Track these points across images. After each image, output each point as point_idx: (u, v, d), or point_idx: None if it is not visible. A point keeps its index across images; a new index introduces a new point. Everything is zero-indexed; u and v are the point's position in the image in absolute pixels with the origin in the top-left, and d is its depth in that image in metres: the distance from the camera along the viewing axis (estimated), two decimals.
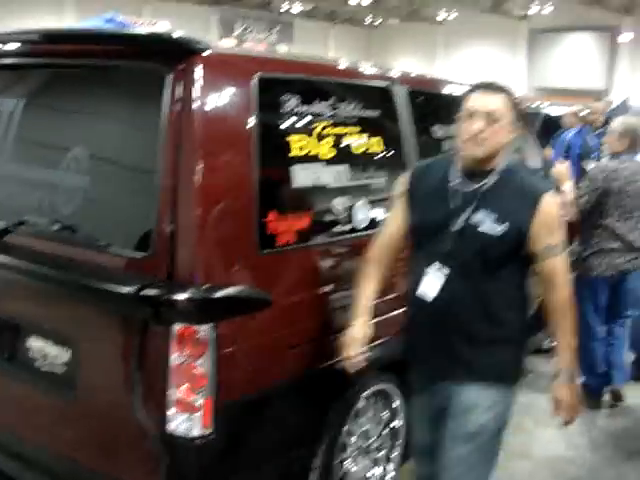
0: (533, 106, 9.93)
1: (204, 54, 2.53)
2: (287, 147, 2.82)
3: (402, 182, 2.87)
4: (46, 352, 2.80)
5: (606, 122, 7.36)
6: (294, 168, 2.82)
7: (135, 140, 2.69)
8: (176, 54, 2.52)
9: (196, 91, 2.47)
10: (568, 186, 4.98)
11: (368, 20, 31.32)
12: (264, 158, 2.64)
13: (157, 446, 2.48)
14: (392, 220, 2.89)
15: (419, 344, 2.82)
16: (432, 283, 2.69)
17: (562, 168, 5.10)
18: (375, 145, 3.30)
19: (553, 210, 2.66)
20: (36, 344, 2.85)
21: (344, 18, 31.30)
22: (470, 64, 28.17)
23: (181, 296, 2.33)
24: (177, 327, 2.38)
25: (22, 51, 3.01)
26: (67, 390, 2.71)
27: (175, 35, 2.53)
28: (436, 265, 2.68)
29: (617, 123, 5.08)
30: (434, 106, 3.91)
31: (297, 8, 28.36)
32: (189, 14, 26.34)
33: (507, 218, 2.60)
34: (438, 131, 3.82)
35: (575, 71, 25.91)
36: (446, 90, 4.08)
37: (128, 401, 2.50)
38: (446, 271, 2.67)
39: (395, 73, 3.67)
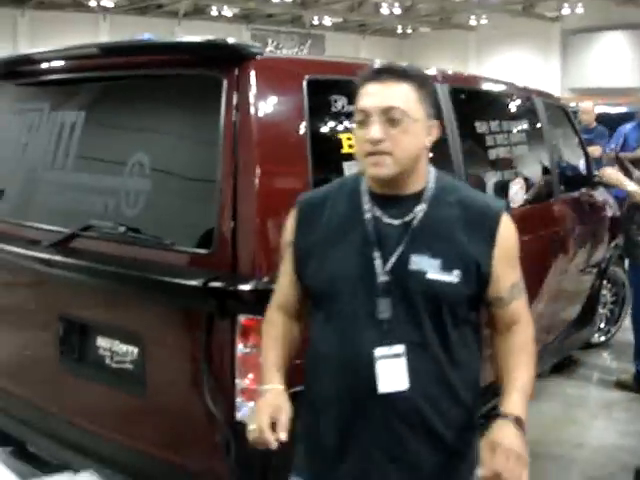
0: (572, 105, 10.05)
1: (257, 59, 2.66)
2: (338, 145, 2.92)
3: (288, 226, 2.10)
4: (115, 350, 2.93)
5: None
6: (345, 165, 2.92)
7: (194, 144, 2.81)
8: (230, 60, 2.65)
9: (251, 95, 2.60)
10: (632, 186, 4.99)
11: (399, 30, 31.41)
12: (317, 156, 2.75)
13: (225, 434, 2.59)
14: (283, 279, 2.13)
15: (348, 447, 1.97)
16: (394, 371, 1.90)
17: (611, 173, 5.14)
18: None
19: (513, 236, 2.00)
20: (104, 343, 2.98)
21: (375, 29, 31.44)
22: (503, 68, 28.10)
23: (245, 287, 2.45)
24: (242, 318, 2.49)
25: (81, 65, 3.17)
26: (137, 385, 2.83)
27: (229, 41, 2.66)
28: (384, 343, 1.90)
29: None
30: (476, 103, 4.01)
31: (328, 21, 28.57)
32: (221, 32, 26.61)
33: (457, 263, 1.90)
34: (480, 127, 3.91)
35: (610, 70, 25.72)
36: (486, 87, 4.18)
37: (197, 392, 2.61)
38: (401, 348, 1.90)
39: (436, 72, 3.76)
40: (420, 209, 1.94)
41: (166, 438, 2.82)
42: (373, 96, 1.88)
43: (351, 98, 3.00)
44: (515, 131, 4.37)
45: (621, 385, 5.28)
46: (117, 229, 2.82)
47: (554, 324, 4.95)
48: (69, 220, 3.04)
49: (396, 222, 1.93)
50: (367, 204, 1.96)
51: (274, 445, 1.91)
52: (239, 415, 2.54)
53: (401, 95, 1.88)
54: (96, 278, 2.89)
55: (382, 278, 1.91)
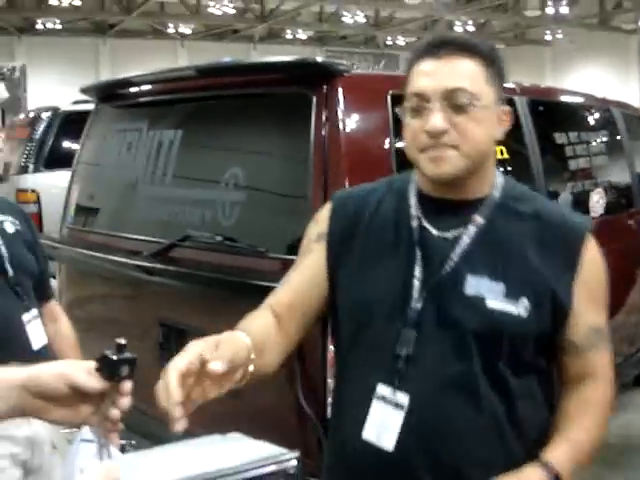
0: None
1: (344, 76, 2.82)
2: None
3: (320, 219, 1.73)
4: None
5: None
6: None
7: (286, 157, 2.99)
8: (319, 77, 2.82)
9: (339, 110, 2.76)
10: None
11: None
12: (402, 169, 2.85)
13: (317, 431, 2.72)
14: (297, 274, 1.72)
15: None
16: (385, 422, 1.52)
17: None
18: (501, 152, 3.49)
19: (600, 265, 1.58)
20: None
21: None
22: (581, 83, 27.78)
23: None
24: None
25: (177, 86, 3.38)
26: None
27: (318, 59, 2.83)
28: (392, 384, 1.52)
29: None
30: (554, 114, 4.09)
31: (401, 41, 28.75)
32: (296, 55, 27.10)
33: (526, 290, 1.48)
34: (559, 138, 3.99)
35: None
36: (564, 98, 4.25)
37: (290, 391, 2.75)
38: (405, 399, 1.50)
39: (514, 84, 3.87)
40: (482, 219, 1.54)
41: (259, 435, 2.96)
42: (432, 76, 1.50)
43: None
44: (594, 142, 4.42)
45: None
46: (214, 238, 3.00)
47: (637, 336, 4.94)
48: (167, 231, 3.24)
49: (449, 235, 1.55)
50: (415, 209, 1.60)
51: (176, 412, 1.25)
52: (330, 413, 2.67)
53: (467, 74, 1.50)
54: (195, 284, 3.07)
55: (415, 304, 1.51)
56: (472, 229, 1.54)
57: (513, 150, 3.57)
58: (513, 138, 3.62)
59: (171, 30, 25.58)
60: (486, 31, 27.61)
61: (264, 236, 2.92)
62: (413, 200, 1.62)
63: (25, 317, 2.35)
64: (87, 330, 3.50)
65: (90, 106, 4.24)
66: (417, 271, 1.54)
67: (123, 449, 2.72)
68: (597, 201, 4.22)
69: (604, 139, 4.58)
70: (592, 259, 1.55)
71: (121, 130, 3.75)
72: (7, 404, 1.21)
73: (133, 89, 3.64)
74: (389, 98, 2.92)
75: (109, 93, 3.81)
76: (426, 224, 1.58)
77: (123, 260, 3.31)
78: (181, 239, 3.14)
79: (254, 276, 2.79)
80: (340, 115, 2.75)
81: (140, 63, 23.59)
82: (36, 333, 2.37)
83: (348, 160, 2.73)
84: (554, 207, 1.69)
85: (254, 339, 1.50)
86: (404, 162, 2.85)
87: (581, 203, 4.08)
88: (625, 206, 4.66)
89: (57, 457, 2.32)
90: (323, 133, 2.74)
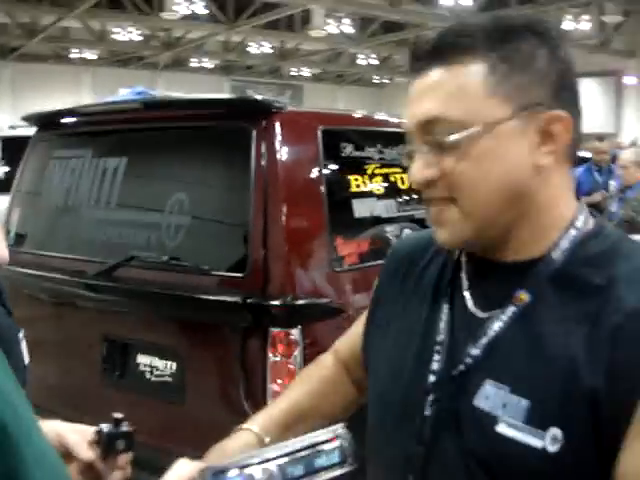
0: None
1: (281, 112, 3.14)
2: (347, 185, 3.39)
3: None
4: (154, 365, 3.35)
5: (612, 160, 8.03)
6: (354, 202, 3.40)
7: (228, 184, 3.28)
8: (258, 113, 3.13)
9: (277, 143, 3.07)
10: None
11: (376, 80, 32.34)
12: (331, 195, 3.22)
13: None
14: (356, 327, 1.48)
15: None
16: None
17: None
18: None
19: None
20: (144, 360, 3.39)
21: (352, 79, 32.35)
22: None
23: (276, 303, 2.90)
24: (272, 330, 2.93)
25: (125, 117, 3.64)
26: (177, 395, 3.25)
27: (257, 97, 3.15)
28: None
29: (630, 154, 5.67)
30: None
31: (306, 72, 29.40)
32: (202, 83, 27.31)
33: (561, 413, 0.98)
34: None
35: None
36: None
37: (234, 396, 3.03)
38: None
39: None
40: (528, 296, 1.06)
41: (206, 440, 3.20)
42: (410, 103, 1.08)
43: (356, 144, 3.53)
44: None
45: None
46: (160, 258, 3.25)
47: None
48: (113, 253, 3.48)
49: (483, 314, 1.10)
50: (450, 270, 1.18)
51: None
52: None
53: (445, 91, 1.03)
54: (140, 300, 3.32)
55: (427, 410, 1.11)
56: (510, 310, 1.06)
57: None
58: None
59: (75, 55, 25.39)
60: (388, 65, 28.56)
61: (208, 256, 3.20)
62: (453, 258, 1.19)
63: (20, 335, 2.61)
64: (36, 345, 3.69)
65: (24, 131, 4.40)
66: (435, 363, 1.12)
67: None
68: None
69: None
70: None
71: (63, 157, 3.95)
72: None
73: (76, 118, 3.86)
74: (320, 133, 3.27)
75: (50, 121, 4.02)
76: (464, 293, 1.14)
77: (70, 279, 3.52)
78: (127, 259, 3.38)
79: (200, 291, 3.07)
80: (277, 147, 3.07)
81: (42, 87, 23.38)
82: (24, 351, 2.63)
83: (285, 188, 3.04)
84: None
85: (288, 414, 1.37)
86: (332, 188, 3.22)
87: None
88: None
89: None
90: (262, 163, 3.05)
